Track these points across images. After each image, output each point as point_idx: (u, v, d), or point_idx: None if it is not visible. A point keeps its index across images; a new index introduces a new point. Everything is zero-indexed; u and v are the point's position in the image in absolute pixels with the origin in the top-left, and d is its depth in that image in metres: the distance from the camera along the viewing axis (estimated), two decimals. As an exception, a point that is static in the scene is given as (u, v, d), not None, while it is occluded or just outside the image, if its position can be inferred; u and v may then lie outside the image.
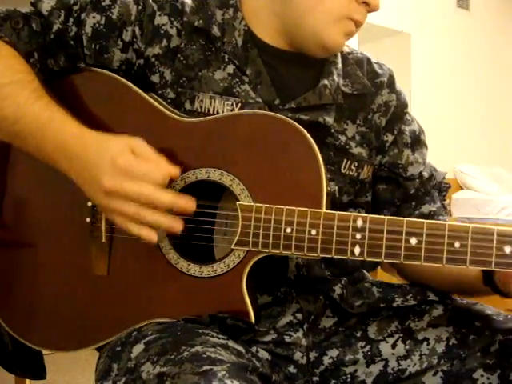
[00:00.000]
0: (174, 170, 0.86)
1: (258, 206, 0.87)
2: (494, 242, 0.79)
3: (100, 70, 0.98)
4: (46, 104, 0.91)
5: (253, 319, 0.88)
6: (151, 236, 0.86)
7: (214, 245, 0.96)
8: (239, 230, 0.88)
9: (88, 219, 0.96)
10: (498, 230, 0.80)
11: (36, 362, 1.04)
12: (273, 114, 0.92)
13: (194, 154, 0.93)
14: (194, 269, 0.91)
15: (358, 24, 0.98)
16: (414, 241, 0.82)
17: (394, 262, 0.83)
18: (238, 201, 0.89)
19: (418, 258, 0.82)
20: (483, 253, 0.80)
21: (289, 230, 0.86)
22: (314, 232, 0.85)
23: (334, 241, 0.84)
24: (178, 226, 0.86)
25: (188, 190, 0.92)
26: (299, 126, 0.89)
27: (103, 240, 0.94)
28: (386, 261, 0.83)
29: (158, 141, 0.93)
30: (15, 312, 1.00)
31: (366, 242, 0.83)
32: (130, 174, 0.83)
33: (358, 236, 0.84)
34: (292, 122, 0.89)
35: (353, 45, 1.16)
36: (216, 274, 0.90)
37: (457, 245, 0.80)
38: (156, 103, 0.95)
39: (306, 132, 0.89)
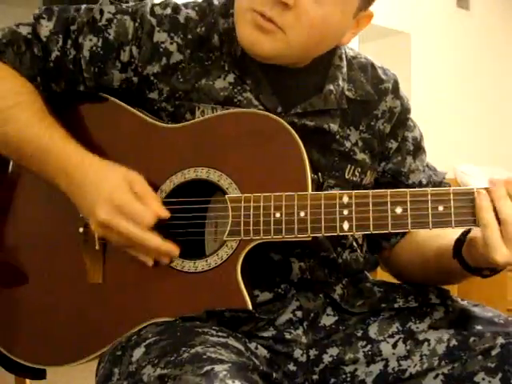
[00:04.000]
0: (164, 213, 0.92)
1: (247, 196, 0.90)
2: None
3: (91, 92, 1.02)
4: (48, 125, 0.95)
5: (250, 306, 0.88)
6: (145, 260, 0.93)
7: (206, 242, 0.97)
8: (230, 220, 0.90)
9: (81, 229, 0.97)
10: (477, 189, 0.83)
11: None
12: (253, 110, 0.96)
13: (180, 155, 0.96)
14: (189, 265, 0.92)
15: (265, 16, 0.91)
16: (399, 210, 0.85)
17: (383, 232, 0.86)
18: (227, 195, 0.91)
19: (405, 226, 0.85)
20: (466, 212, 0.83)
21: (278, 214, 0.88)
22: (302, 214, 0.88)
23: (322, 219, 0.87)
24: (165, 260, 0.93)
25: (178, 191, 0.95)
26: (279, 118, 0.93)
27: (97, 247, 0.95)
28: (374, 232, 0.86)
29: (145, 146, 0.98)
30: (7, 329, 1.00)
31: (354, 216, 0.86)
32: (123, 212, 0.89)
33: (346, 212, 0.87)
34: (272, 115, 0.93)
35: (353, 45, 1.14)
36: (210, 268, 0.91)
37: (440, 208, 0.84)
38: (141, 114, 0.99)
39: (284, 122, 0.92)
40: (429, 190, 0.85)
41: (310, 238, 0.88)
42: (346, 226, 0.86)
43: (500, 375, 0.86)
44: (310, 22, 0.92)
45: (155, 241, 0.90)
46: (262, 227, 0.89)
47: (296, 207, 0.88)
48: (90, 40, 0.99)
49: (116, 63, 0.99)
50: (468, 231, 0.91)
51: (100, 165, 0.93)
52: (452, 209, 0.83)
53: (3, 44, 0.99)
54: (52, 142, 0.94)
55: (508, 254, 0.82)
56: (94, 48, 0.99)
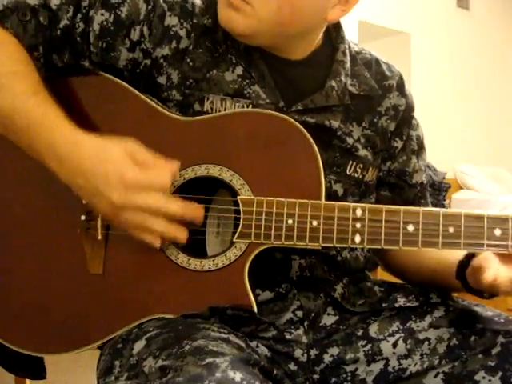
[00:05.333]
0: (175, 167, 0.89)
1: (259, 200, 0.90)
2: (485, 225, 0.85)
3: (97, 72, 0.99)
4: (42, 100, 0.91)
5: (255, 308, 0.89)
6: (154, 242, 0.89)
7: (207, 240, 0.97)
8: (241, 222, 0.90)
9: (83, 217, 0.95)
10: (488, 215, 0.85)
11: (36, 361, 1.01)
12: (270, 111, 0.95)
13: (192, 150, 0.95)
14: (195, 263, 0.92)
15: None
16: (411, 228, 0.87)
17: (394, 248, 0.88)
18: (239, 195, 0.91)
19: (415, 244, 0.87)
20: (476, 236, 0.85)
21: (290, 221, 0.89)
22: (315, 223, 0.89)
23: (335, 230, 0.88)
24: (182, 236, 0.89)
25: (187, 186, 0.94)
26: (296, 122, 0.93)
27: (99, 237, 0.94)
28: (385, 247, 0.88)
29: (157, 139, 0.96)
30: (5, 319, 0.98)
31: (366, 230, 0.88)
32: (139, 187, 0.86)
33: (358, 225, 0.88)
34: (289, 118, 0.93)
35: (352, 44, 1.15)
36: (217, 268, 0.91)
37: (451, 230, 0.86)
38: (153, 103, 0.97)
39: (302, 128, 0.92)
40: (441, 210, 0.87)
41: (320, 248, 0.90)
42: (357, 239, 0.88)
43: (500, 374, 0.87)
44: None
45: (178, 204, 0.88)
46: (273, 232, 0.89)
47: (309, 216, 0.89)
48: (102, 15, 0.97)
49: (125, 41, 0.98)
50: (472, 254, 0.92)
51: (96, 142, 0.89)
52: (462, 231, 0.85)
53: (8, 9, 0.96)
54: (44, 116, 0.89)
55: None
56: (105, 23, 0.97)
